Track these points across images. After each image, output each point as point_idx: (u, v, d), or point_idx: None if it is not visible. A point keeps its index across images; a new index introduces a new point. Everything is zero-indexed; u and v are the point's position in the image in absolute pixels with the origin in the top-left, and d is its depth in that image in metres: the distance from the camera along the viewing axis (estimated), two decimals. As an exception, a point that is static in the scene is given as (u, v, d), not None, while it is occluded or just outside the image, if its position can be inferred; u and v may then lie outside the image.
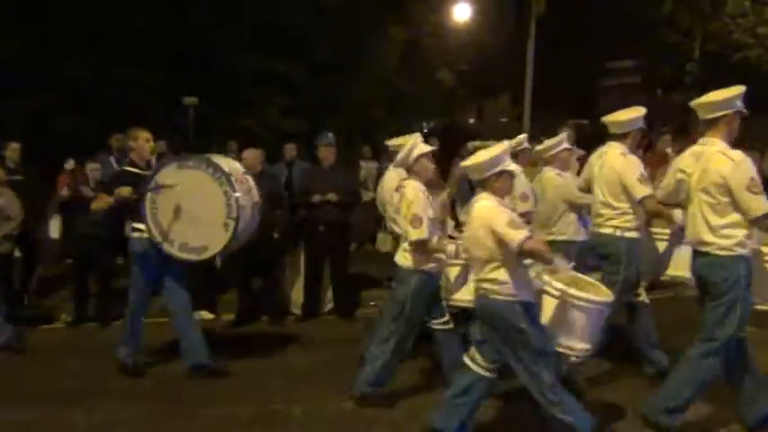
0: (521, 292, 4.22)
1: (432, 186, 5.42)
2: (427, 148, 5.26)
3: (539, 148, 6.47)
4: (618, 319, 5.51)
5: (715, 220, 4.46)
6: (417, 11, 19.19)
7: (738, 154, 4.45)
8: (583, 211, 6.14)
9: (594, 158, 5.73)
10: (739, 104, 4.57)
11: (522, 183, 5.86)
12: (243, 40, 13.88)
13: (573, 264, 5.12)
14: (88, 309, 8.00)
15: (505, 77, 25.93)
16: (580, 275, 4.82)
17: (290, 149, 9.41)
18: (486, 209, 4.25)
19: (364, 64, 16.22)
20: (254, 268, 7.95)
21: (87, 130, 11.22)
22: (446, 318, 5.42)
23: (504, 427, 4.98)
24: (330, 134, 8.25)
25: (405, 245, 5.22)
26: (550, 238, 5.91)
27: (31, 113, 11.78)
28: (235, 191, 5.71)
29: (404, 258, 5.21)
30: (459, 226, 6.09)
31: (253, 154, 7.71)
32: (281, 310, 8.08)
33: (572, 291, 4.42)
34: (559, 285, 4.43)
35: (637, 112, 5.62)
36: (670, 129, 11.56)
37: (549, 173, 6.25)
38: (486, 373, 4.43)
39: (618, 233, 5.41)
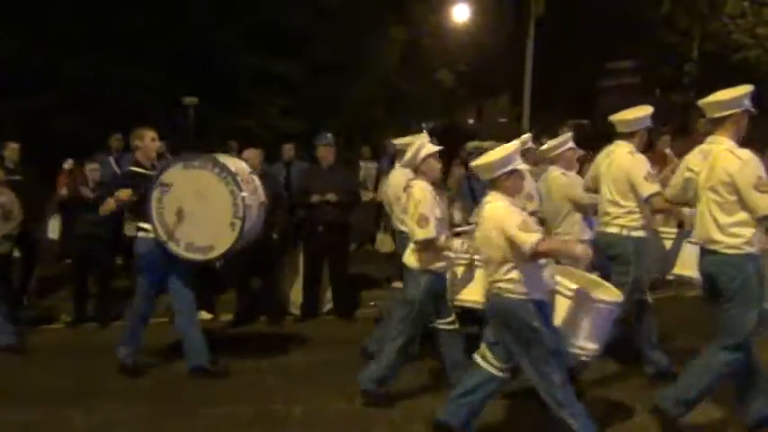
0: (534, 290, 4.22)
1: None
2: (434, 148, 5.27)
3: (543, 147, 6.47)
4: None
5: (723, 219, 4.46)
6: (417, 11, 19.20)
7: (746, 152, 4.45)
8: (588, 211, 6.14)
9: (602, 157, 5.75)
10: (747, 103, 4.58)
11: (527, 182, 5.86)
12: (242, 41, 13.88)
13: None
14: (87, 309, 8.00)
15: (505, 78, 25.95)
16: (588, 275, 4.83)
17: (289, 149, 9.42)
18: (497, 210, 4.24)
19: (364, 64, 16.22)
20: (253, 268, 7.95)
21: (86, 131, 11.21)
22: (452, 318, 5.42)
23: (509, 426, 4.97)
24: (329, 134, 8.25)
25: (412, 245, 5.22)
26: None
27: (29, 113, 11.77)
28: (241, 190, 5.70)
29: (412, 258, 5.22)
30: (453, 226, 6.09)
31: (253, 154, 7.71)
32: (280, 310, 8.08)
33: (585, 292, 4.43)
34: (573, 286, 4.44)
35: (644, 111, 5.63)
36: (669, 129, 11.56)
37: (555, 172, 6.25)
38: (500, 374, 4.44)
39: (624, 232, 5.41)
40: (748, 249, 4.43)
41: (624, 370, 5.80)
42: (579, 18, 24.13)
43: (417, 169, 5.24)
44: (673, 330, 6.23)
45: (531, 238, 4.09)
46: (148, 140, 6.08)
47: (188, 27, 12.99)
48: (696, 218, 4.71)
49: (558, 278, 4.48)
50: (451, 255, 5.18)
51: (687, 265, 5.38)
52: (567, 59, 24.90)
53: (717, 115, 4.58)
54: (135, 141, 6.12)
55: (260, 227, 6.22)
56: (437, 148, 5.31)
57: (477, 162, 4.43)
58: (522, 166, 4.39)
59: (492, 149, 4.50)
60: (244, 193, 5.70)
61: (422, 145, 5.23)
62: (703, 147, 4.66)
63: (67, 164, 9.10)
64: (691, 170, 4.70)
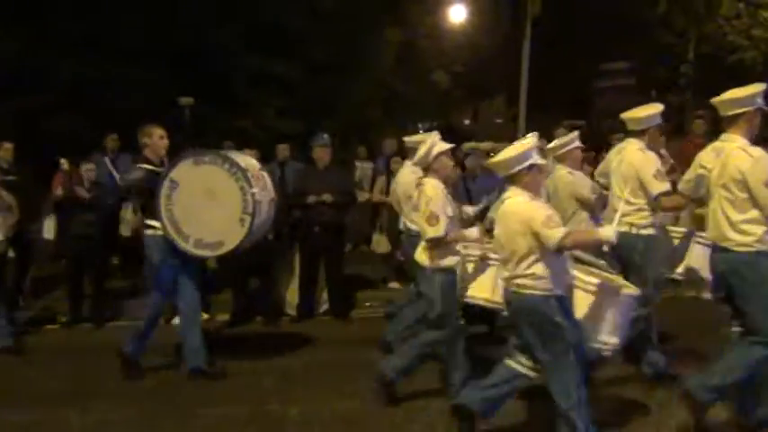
0: (556, 286, 4.22)
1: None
2: (447, 146, 5.29)
3: (550, 145, 6.48)
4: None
5: (734, 216, 4.48)
6: (413, 12, 19.23)
7: (758, 150, 4.48)
8: (595, 210, 6.16)
9: (613, 154, 5.78)
10: (760, 101, 4.61)
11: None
12: (239, 41, 13.87)
13: None
14: (83, 309, 7.98)
15: (501, 79, 25.98)
16: (601, 272, 4.83)
17: (283, 150, 9.40)
18: (520, 205, 4.25)
19: (360, 65, 16.23)
20: (250, 269, 7.94)
21: (82, 130, 11.19)
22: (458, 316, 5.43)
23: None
24: (325, 135, 8.25)
25: (423, 243, 5.24)
26: None
27: (24, 113, 11.74)
28: (251, 186, 5.69)
29: (423, 256, 5.24)
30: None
31: (248, 155, 7.69)
32: (276, 310, 8.08)
33: (608, 285, 4.46)
34: (594, 280, 4.45)
35: (654, 109, 5.65)
36: (665, 130, 11.57)
37: (561, 171, 6.26)
38: (530, 373, 4.46)
39: (634, 231, 5.40)
40: (760, 247, 4.44)
41: (617, 370, 5.80)
42: (575, 19, 24.17)
43: (429, 167, 5.24)
44: (673, 330, 6.23)
45: (556, 234, 4.11)
46: (157, 138, 6.06)
47: (184, 28, 12.98)
48: (708, 215, 4.72)
49: (576, 273, 4.48)
50: (462, 251, 5.18)
51: (695, 265, 5.39)
52: (563, 60, 24.94)
53: (730, 113, 4.61)
54: (143, 139, 6.10)
55: (269, 224, 6.23)
56: (449, 146, 5.34)
57: (494, 159, 4.45)
58: (540, 161, 4.40)
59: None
60: (254, 189, 5.69)
61: (434, 143, 5.25)
62: (716, 144, 4.70)
63: (63, 164, 9.09)
64: (703, 167, 4.73)
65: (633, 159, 5.45)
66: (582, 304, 4.43)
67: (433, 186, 5.15)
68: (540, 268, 4.19)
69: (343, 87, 15.64)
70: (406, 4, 18.62)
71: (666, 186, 5.33)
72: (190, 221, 5.74)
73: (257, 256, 7.57)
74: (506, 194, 4.37)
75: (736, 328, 4.66)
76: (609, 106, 27.70)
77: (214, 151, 6.00)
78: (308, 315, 8.05)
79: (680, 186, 5.14)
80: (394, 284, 9.14)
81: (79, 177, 8.22)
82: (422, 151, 5.25)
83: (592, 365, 5.38)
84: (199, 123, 11.70)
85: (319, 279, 8.09)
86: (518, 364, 4.46)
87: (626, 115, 5.67)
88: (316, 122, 12.83)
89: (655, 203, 5.38)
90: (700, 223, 6.23)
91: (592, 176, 6.49)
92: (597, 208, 6.11)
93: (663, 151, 9.66)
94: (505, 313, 5.07)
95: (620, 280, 4.85)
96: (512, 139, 6.69)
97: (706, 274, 5.00)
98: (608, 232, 4.31)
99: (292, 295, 8.18)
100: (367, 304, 8.63)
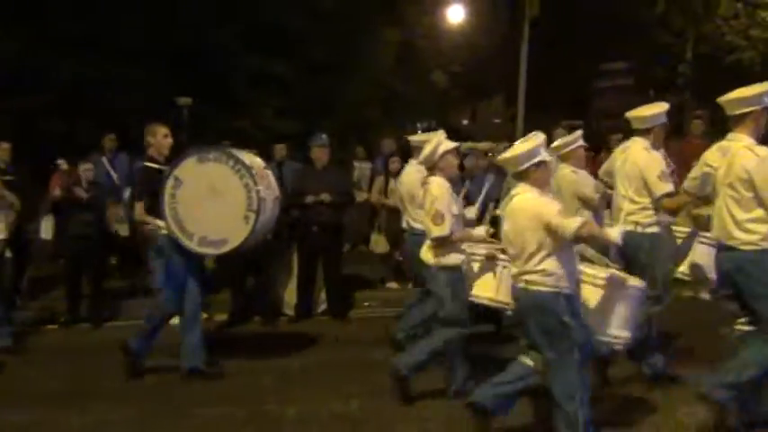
0: (565, 283, 4.21)
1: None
2: (453, 145, 5.30)
3: (554, 144, 6.48)
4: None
5: (740, 215, 4.49)
6: (411, 13, 19.26)
7: (764, 150, 4.48)
8: (598, 209, 6.16)
9: (618, 152, 5.77)
10: (767, 101, 4.61)
11: None
12: (237, 42, 13.87)
13: None
14: (81, 309, 7.97)
15: (499, 79, 26.02)
16: (608, 268, 4.84)
17: (280, 149, 9.39)
18: (529, 201, 4.25)
19: (358, 65, 16.25)
20: (248, 269, 7.94)
21: (79, 130, 11.19)
22: None
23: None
24: (324, 135, 8.25)
25: (428, 241, 5.24)
26: None
27: (21, 113, 11.73)
28: (256, 183, 5.68)
29: (429, 255, 5.24)
30: None
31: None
32: (274, 310, 8.08)
33: (618, 278, 4.46)
34: (603, 274, 4.46)
35: (660, 108, 5.64)
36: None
37: (565, 170, 6.25)
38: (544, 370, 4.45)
39: (639, 229, 5.39)
40: (765, 245, 4.44)
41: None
42: (574, 19, 24.18)
43: (435, 166, 5.24)
44: (671, 330, 6.23)
45: (573, 224, 4.12)
46: (161, 137, 6.05)
47: (185, 28, 12.98)
48: (714, 214, 4.73)
49: (584, 268, 4.48)
50: (468, 250, 5.19)
51: (698, 265, 5.40)
52: (562, 60, 24.95)
53: (737, 112, 4.61)
54: (147, 137, 6.08)
55: (274, 222, 6.20)
56: (455, 145, 5.35)
57: (503, 156, 4.46)
58: (548, 158, 4.41)
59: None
60: (259, 187, 5.68)
61: (440, 141, 5.26)
62: (722, 143, 4.71)
63: (62, 164, 9.08)
64: (709, 165, 4.74)
65: (638, 159, 5.44)
66: (591, 298, 4.43)
67: (439, 185, 5.15)
68: (549, 264, 4.18)
69: (342, 87, 15.66)
70: (404, 5, 18.64)
71: (669, 188, 5.33)
72: (194, 219, 5.73)
73: (255, 256, 7.58)
74: (515, 191, 4.37)
75: (740, 327, 4.66)
76: (607, 106, 27.79)
77: (219, 148, 5.98)
78: (307, 315, 8.05)
79: (686, 184, 5.16)
80: (392, 284, 9.15)
81: (77, 177, 8.21)
82: (428, 150, 5.25)
83: (604, 362, 5.40)
84: (197, 123, 11.71)
85: (317, 279, 8.09)
86: (532, 362, 4.44)
87: (631, 114, 5.65)
88: (314, 122, 12.83)
89: (657, 204, 5.39)
90: (697, 223, 6.26)
91: (595, 176, 6.49)
92: (600, 207, 6.11)
93: (662, 151, 9.66)
94: (509, 312, 5.10)
95: (625, 274, 4.85)
96: (510, 139, 6.70)
97: (711, 273, 5.00)
98: (615, 233, 4.31)
99: (290, 295, 8.18)
100: (365, 304, 8.64)
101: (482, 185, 6.91)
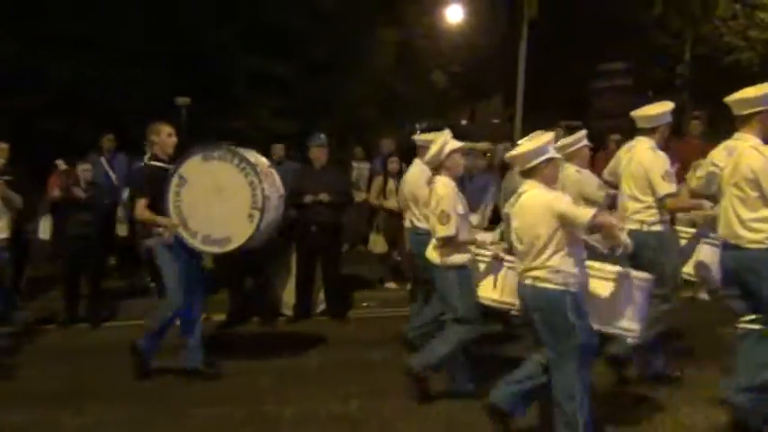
0: (573, 281, 4.20)
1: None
2: (459, 144, 5.30)
3: (558, 144, 6.47)
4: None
5: (745, 214, 4.51)
6: (410, 13, 19.26)
7: None
8: (603, 208, 6.15)
9: (623, 152, 5.77)
10: None
11: None
12: (237, 42, 13.87)
13: None
14: (79, 309, 7.96)
15: (498, 79, 26.07)
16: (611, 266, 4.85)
17: (278, 149, 9.39)
18: (538, 196, 4.25)
19: (357, 65, 16.25)
20: (246, 269, 7.93)
21: (77, 131, 11.18)
22: None
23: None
24: (322, 135, 8.25)
25: (434, 241, 5.24)
26: None
27: (20, 113, 11.72)
28: (261, 181, 5.67)
29: (434, 254, 5.24)
30: None
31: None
32: (273, 311, 8.07)
33: (626, 271, 4.47)
34: (612, 268, 4.46)
35: (665, 107, 5.63)
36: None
37: (569, 169, 6.25)
38: None
39: (644, 228, 5.40)
40: None
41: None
42: (572, 20, 24.22)
43: (441, 165, 5.23)
44: (670, 331, 6.21)
45: (588, 212, 4.13)
46: (165, 135, 6.03)
47: (184, 28, 12.98)
48: (719, 213, 4.74)
49: (591, 263, 4.48)
50: (474, 250, 5.20)
51: (704, 264, 5.41)
52: (560, 61, 24.99)
53: (743, 112, 4.63)
54: (151, 136, 6.07)
55: (278, 221, 6.19)
56: (462, 144, 5.35)
57: (511, 153, 4.47)
58: (557, 154, 4.42)
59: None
60: (264, 185, 5.67)
61: (446, 141, 5.26)
62: (728, 143, 4.73)
63: (61, 164, 9.08)
64: (715, 165, 4.76)
65: (643, 158, 5.45)
66: (601, 291, 4.43)
67: (445, 185, 5.16)
68: (557, 261, 4.17)
69: (341, 87, 15.65)
70: (403, 5, 18.65)
71: (673, 188, 5.34)
72: (198, 217, 5.72)
73: (253, 256, 7.57)
74: (522, 188, 4.37)
75: (744, 325, 4.65)
76: (606, 107, 27.81)
77: (223, 146, 5.97)
78: (305, 315, 8.04)
79: (691, 184, 5.16)
80: (391, 284, 9.15)
81: (75, 177, 8.21)
82: (434, 149, 5.25)
83: (621, 363, 5.42)
84: (195, 123, 11.70)
85: (316, 279, 8.08)
86: (544, 359, 4.41)
87: (636, 113, 5.65)
88: (312, 123, 12.83)
89: (660, 204, 5.39)
90: (695, 224, 6.26)
91: (597, 176, 6.49)
92: (604, 206, 6.10)
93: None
94: (514, 312, 5.09)
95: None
96: (509, 139, 6.70)
97: (717, 273, 5.00)
98: (624, 235, 4.28)
99: (289, 295, 8.17)
100: (364, 304, 8.63)
101: (480, 185, 6.92)
